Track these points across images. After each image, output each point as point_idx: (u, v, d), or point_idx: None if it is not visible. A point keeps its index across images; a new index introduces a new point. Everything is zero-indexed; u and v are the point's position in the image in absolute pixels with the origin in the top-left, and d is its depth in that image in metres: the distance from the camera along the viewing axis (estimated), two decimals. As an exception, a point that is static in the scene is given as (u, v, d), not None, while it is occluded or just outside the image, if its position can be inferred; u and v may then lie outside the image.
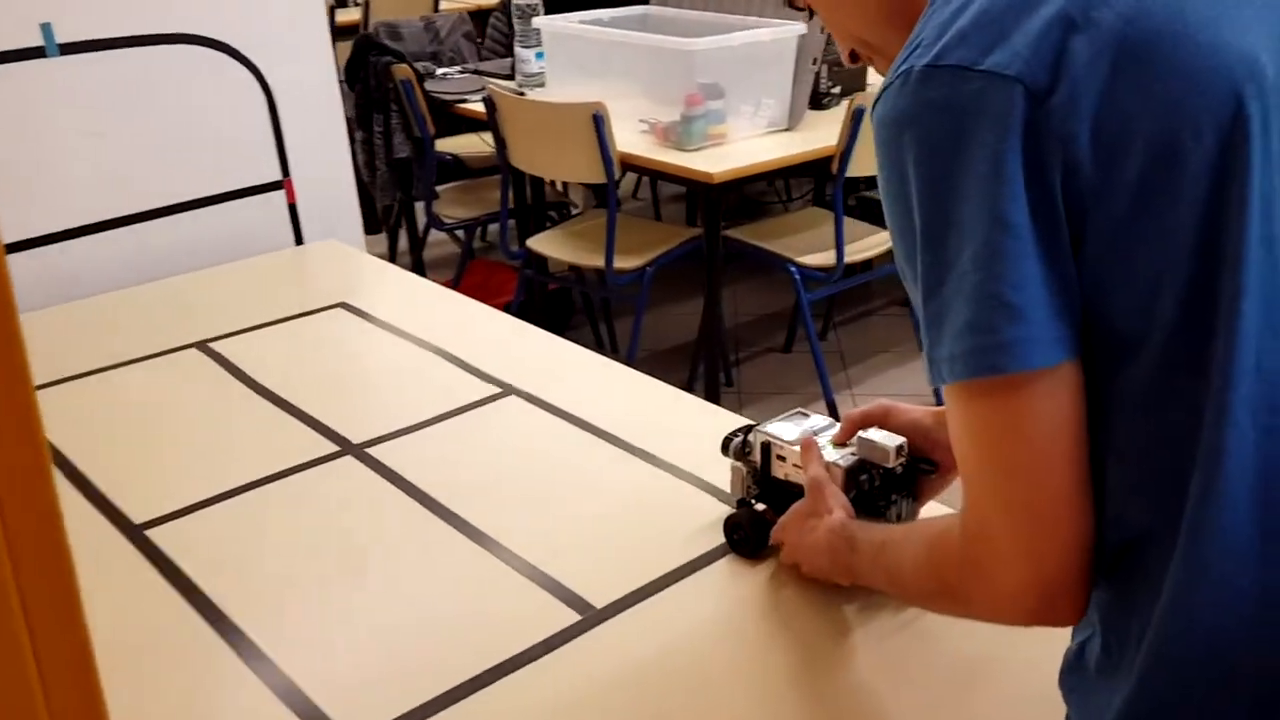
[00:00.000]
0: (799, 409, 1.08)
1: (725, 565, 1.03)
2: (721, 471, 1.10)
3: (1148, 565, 0.64)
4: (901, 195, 0.66)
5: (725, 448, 1.07)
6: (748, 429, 1.06)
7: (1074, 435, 0.64)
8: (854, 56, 0.84)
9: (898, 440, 0.95)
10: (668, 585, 1.00)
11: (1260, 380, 0.60)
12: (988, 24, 0.63)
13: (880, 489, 0.97)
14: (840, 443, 0.99)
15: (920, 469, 0.97)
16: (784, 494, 1.01)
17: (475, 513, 1.13)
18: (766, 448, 1.03)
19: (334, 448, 1.29)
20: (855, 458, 0.97)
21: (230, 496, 1.19)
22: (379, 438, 1.30)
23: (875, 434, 0.97)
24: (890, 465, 0.96)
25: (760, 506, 1.04)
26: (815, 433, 1.02)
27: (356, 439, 1.30)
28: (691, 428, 1.29)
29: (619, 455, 1.24)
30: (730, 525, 1.04)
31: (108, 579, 1.06)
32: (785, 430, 1.03)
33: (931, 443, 0.95)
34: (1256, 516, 0.61)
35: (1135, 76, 0.61)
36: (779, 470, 1.02)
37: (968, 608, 0.73)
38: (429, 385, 1.43)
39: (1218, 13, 0.62)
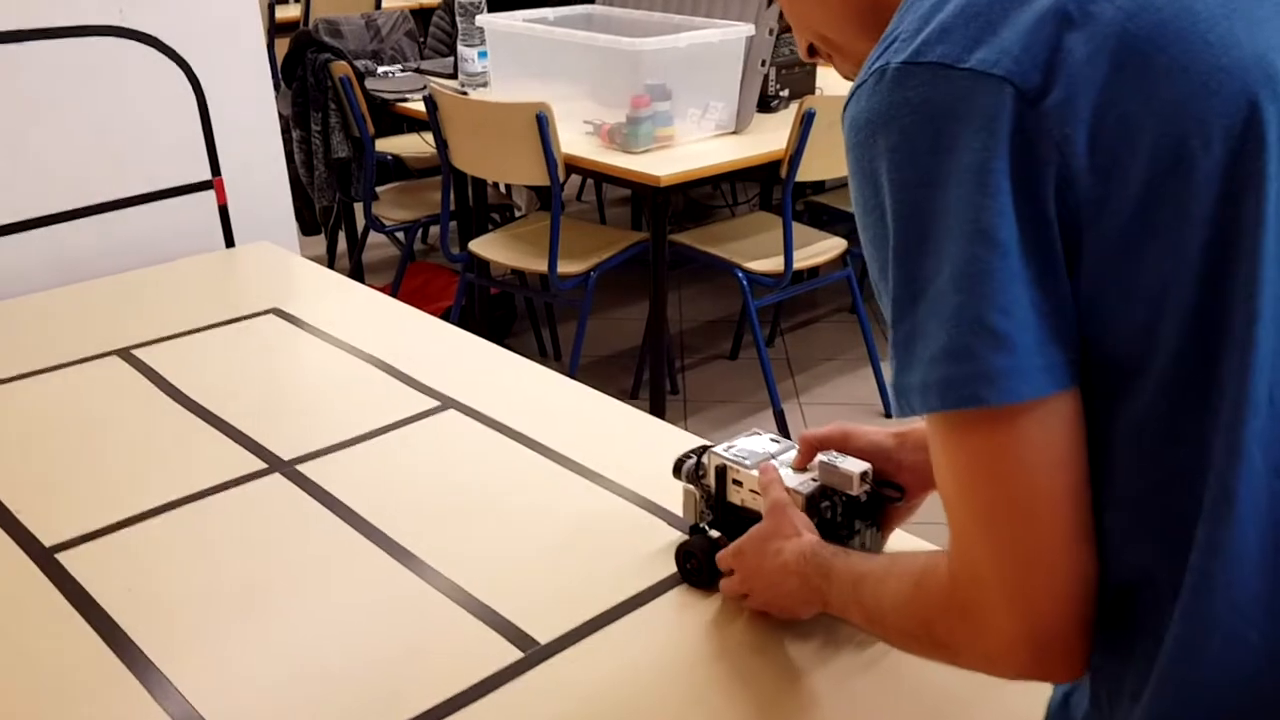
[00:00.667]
0: (754, 429, 1.02)
1: (677, 596, 0.97)
2: (673, 494, 1.04)
3: (1146, 615, 0.59)
4: (874, 205, 0.60)
5: (677, 470, 1.01)
6: (701, 450, 1.00)
7: (1071, 472, 0.59)
8: (812, 51, 0.78)
9: (862, 466, 0.90)
10: (617, 618, 0.94)
11: (1273, 415, 0.55)
12: (973, 17, 0.57)
13: (843, 517, 0.91)
14: (800, 467, 0.93)
15: (885, 496, 0.91)
16: (740, 521, 0.95)
17: (411, 537, 1.07)
18: (722, 472, 0.97)
19: (261, 465, 1.21)
20: (816, 484, 0.91)
21: (149, 517, 1.12)
22: (309, 454, 1.23)
23: (838, 459, 0.91)
24: (854, 492, 0.90)
25: (715, 534, 0.98)
26: (772, 456, 0.96)
27: (286, 455, 1.23)
28: (640, 445, 1.24)
29: (564, 475, 1.18)
30: (683, 553, 0.98)
31: (13, 608, 0.98)
32: (742, 453, 0.97)
33: (895, 465, 0.90)
34: (1268, 566, 0.56)
35: (1138, 77, 0.55)
36: (735, 496, 0.97)
37: (954, 657, 0.67)
38: (364, 398, 1.36)
39: (1231, 9, 0.56)
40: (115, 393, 1.39)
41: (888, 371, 3.17)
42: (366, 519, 1.10)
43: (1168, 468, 0.58)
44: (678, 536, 1.03)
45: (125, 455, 1.25)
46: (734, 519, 0.97)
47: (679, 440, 1.19)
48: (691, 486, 1.00)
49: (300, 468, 1.21)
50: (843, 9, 0.71)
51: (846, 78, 0.72)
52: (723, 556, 0.94)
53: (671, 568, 0.99)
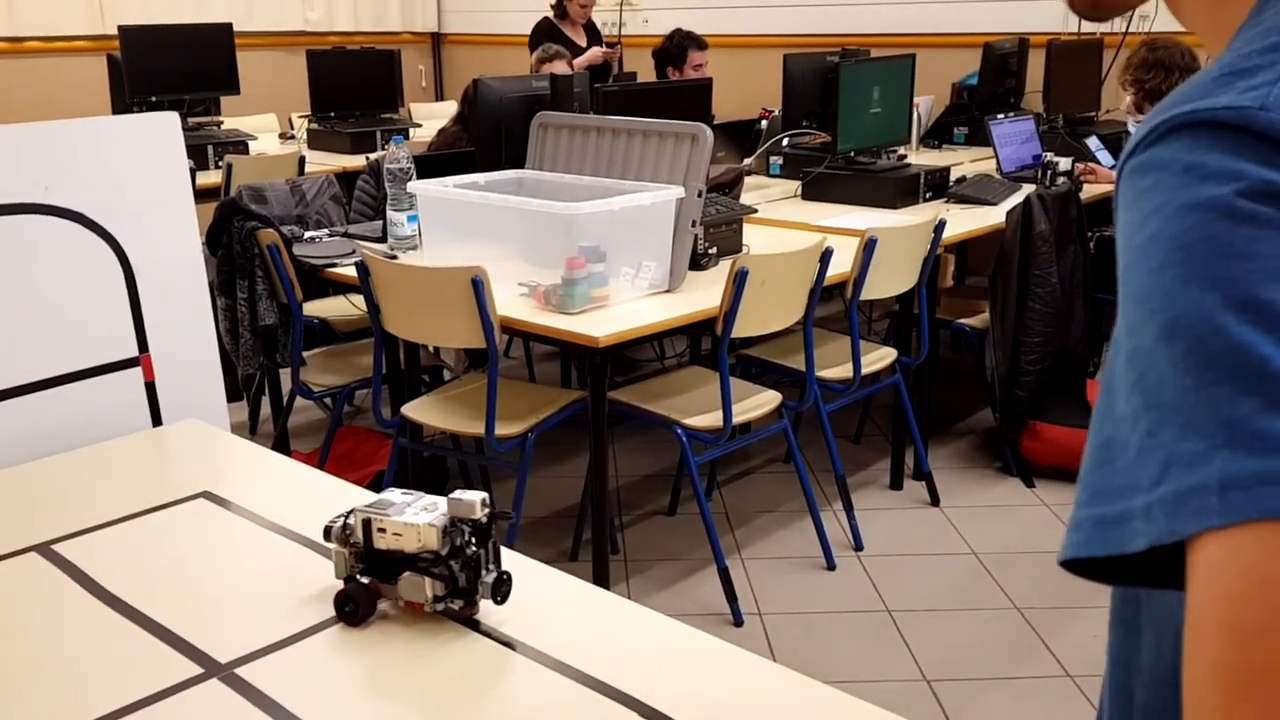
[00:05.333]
0: (394, 488, 1.21)
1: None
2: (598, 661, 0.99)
3: None
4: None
5: (327, 534, 1.20)
6: (347, 513, 1.18)
7: None
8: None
9: (482, 495, 1.14)
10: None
11: None
12: None
13: (471, 539, 1.14)
14: None
15: (501, 516, 1.17)
16: (388, 563, 1.16)
17: (366, 747, 0.99)
18: (367, 524, 1.17)
19: (197, 669, 1.13)
20: (446, 516, 1.14)
21: (72, 738, 1.02)
22: (249, 655, 1.15)
23: (462, 493, 1.14)
24: (477, 516, 1.13)
25: (366, 580, 1.18)
26: (408, 505, 1.17)
27: (223, 658, 1.15)
28: (599, 627, 1.18)
29: (524, 664, 1.12)
30: (341, 599, 1.18)
31: None
32: (382, 504, 1.18)
33: None
34: None
35: None
36: (381, 542, 1.16)
37: None
38: (305, 588, 1.28)
39: None
40: (33, 594, 1.29)
41: (828, 522, 3.15)
42: (316, 729, 1.02)
43: None
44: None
45: (44, 665, 1.15)
46: (383, 563, 1.17)
47: (649, 627, 1.14)
48: (340, 547, 1.19)
49: (239, 671, 1.12)
50: None
51: None
52: None
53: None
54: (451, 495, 1.14)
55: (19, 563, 1.36)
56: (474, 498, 1.12)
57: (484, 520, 1.14)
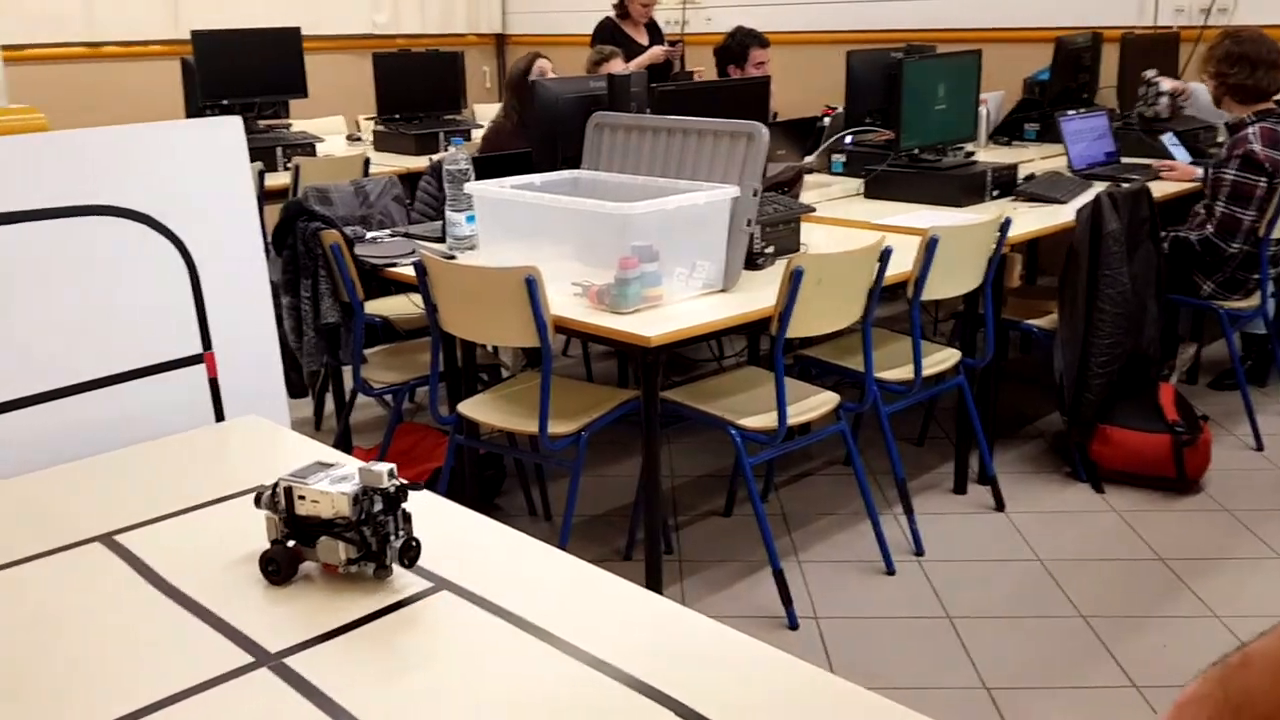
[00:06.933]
0: (318, 460, 1.32)
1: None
2: (666, 675, 0.98)
3: None
4: None
5: (258, 501, 1.30)
6: (275, 483, 1.28)
7: None
8: None
9: (390, 466, 1.25)
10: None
11: None
12: None
13: (382, 507, 1.25)
14: None
15: (408, 486, 1.26)
16: (309, 528, 1.27)
17: (407, 739, 1.00)
18: (289, 492, 1.27)
19: (248, 658, 1.15)
20: (359, 485, 1.24)
21: (126, 723, 1.05)
22: (298, 645, 1.17)
23: (372, 464, 1.24)
24: (385, 485, 1.24)
25: (291, 543, 1.28)
26: (327, 471, 1.27)
27: (273, 647, 1.17)
28: (646, 629, 1.18)
29: (570, 666, 1.12)
30: (265, 559, 1.29)
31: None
32: (304, 474, 1.28)
33: None
34: None
35: None
36: (302, 508, 1.27)
37: None
38: (357, 581, 1.30)
39: None
40: (97, 582, 1.33)
41: (888, 526, 3.11)
42: (358, 718, 1.04)
43: None
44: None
45: (104, 651, 1.18)
46: (304, 528, 1.28)
47: (675, 621, 1.13)
48: (270, 513, 1.29)
49: (289, 660, 1.14)
50: None
51: None
52: None
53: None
54: (363, 466, 1.26)
55: (83, 552, 1.40)
56: (382, 469, 1.24)
57: (392, 490, 1.25)
